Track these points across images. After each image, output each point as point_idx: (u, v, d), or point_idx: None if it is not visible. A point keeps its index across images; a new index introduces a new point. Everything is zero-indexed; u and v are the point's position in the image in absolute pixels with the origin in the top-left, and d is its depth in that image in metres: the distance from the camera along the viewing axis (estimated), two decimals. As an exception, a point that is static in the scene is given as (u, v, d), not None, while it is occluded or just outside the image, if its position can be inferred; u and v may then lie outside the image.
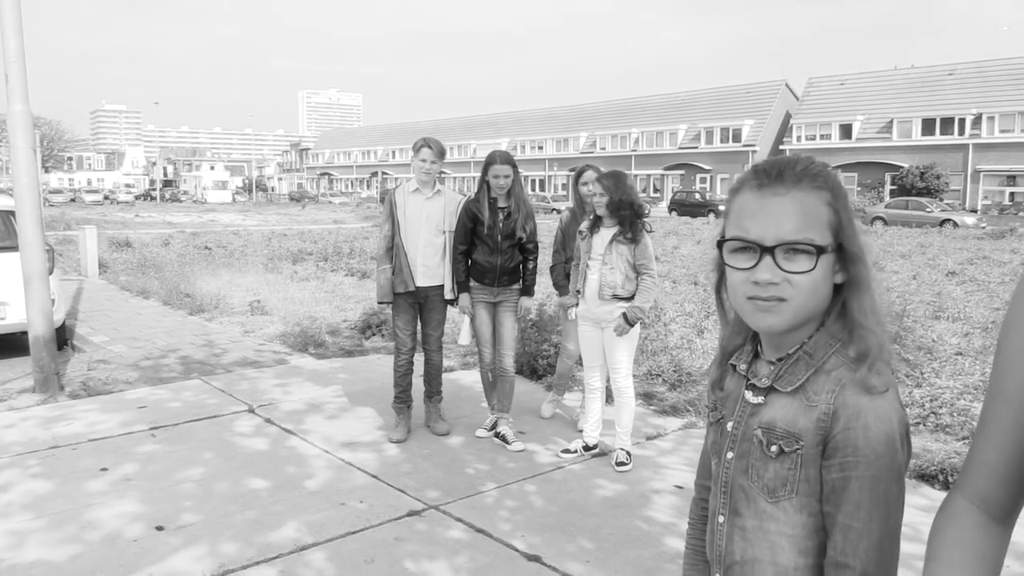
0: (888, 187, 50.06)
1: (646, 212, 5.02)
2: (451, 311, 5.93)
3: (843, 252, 1.27)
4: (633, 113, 70.02)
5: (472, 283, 5.52)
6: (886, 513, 1.19)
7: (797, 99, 61.04)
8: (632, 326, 4.88)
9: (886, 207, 36.97)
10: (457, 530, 4.08)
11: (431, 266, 5.52)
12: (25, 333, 7.07)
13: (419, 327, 5.75)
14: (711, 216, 40.75)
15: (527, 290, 5.63)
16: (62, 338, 8.64)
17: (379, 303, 5.62)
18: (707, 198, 46.77)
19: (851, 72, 60.76)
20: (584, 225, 5.10)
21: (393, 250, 5.49)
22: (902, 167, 49.09)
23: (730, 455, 1.38)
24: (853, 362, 1.26)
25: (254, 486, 4.62)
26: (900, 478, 1.21)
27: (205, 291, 11.89)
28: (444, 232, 5.53)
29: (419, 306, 5.64)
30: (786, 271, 1.24)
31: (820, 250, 1.24)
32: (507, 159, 5.41)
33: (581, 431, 5.45)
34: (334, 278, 14.22)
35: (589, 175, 5.59)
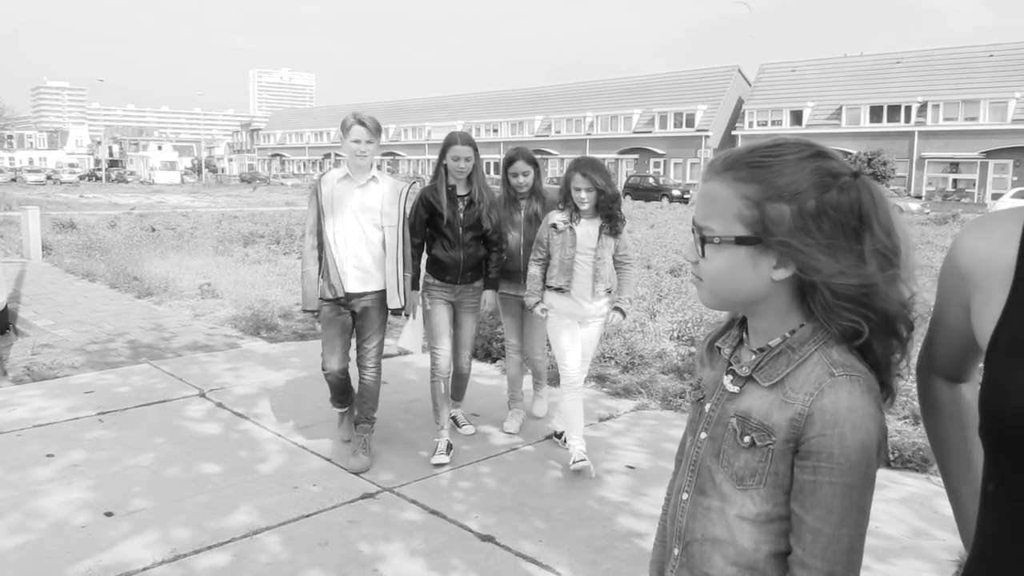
0: (836, 173, 50.90)
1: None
2: (397, 322, 5.31)
3: (777, 247, 1.23)
4: (588, 97, 70.19)
5: (429, 279, 4.97)
6: (858, 519, 1.21)
7: (749, 85, 61.77)
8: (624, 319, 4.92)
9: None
10: (411, 512, 4.10)
11: (366, 268, 4.63)
12: (-35, 317, 6.88)
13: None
14: (664, 200, 41.19)
15: (491, 283, 5.10)
16: (4, 322, 8.42)
17: (304, 311, 4.81)
18: (661, 182, 47.28)
19: (802, 59, 61.63)
20: (559, 217, 4.64)
21: (320, 248, 4.64)
22: (851, 153, 50.03)
23: (703, 435, 1.39)
24: (834, 363, 1.24)
25: (206, 471, 4.58)
26: (872, 484, 1.22)
27: (153, 274, 11.66)
28: (382, 228, 4.62)
29: (352, 315, 4.75)
30: (702, 253, 1.31)
31: (705, 239, 1.29)
32: (467, 140, 4.86)
33: (559, 435, 5.16)
34: (287, 261, 14.05)
35: (520, 166, 5.21)
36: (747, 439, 1.29)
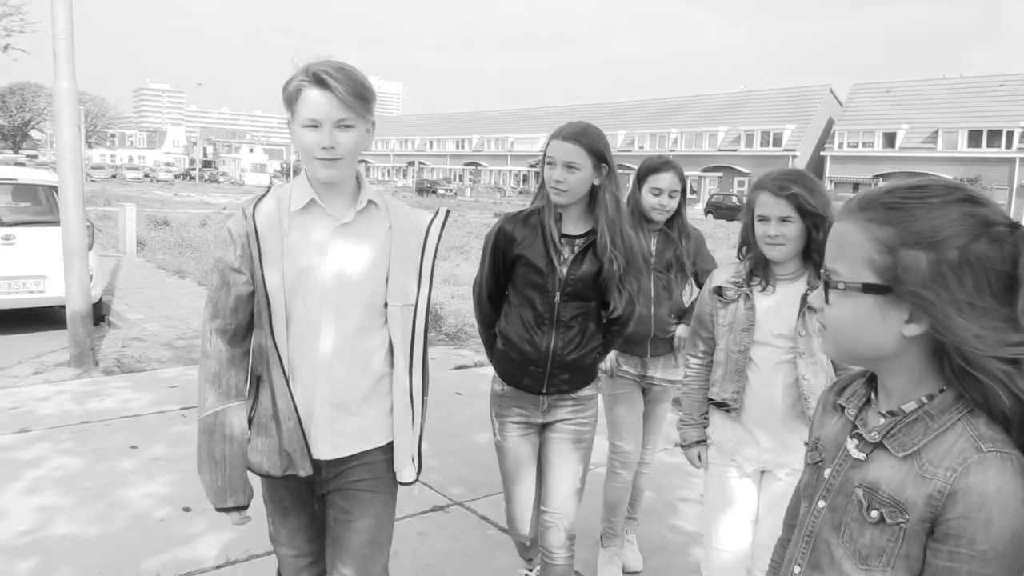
0: (930, 198, 49.20)
1: None
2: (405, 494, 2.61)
3: (909, 299, 1.11)
4: (673, 113, 69.52)
5: (498, 387, 2.99)
6: None
7: (841, 105, 60.22)
8: None
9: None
10: (480, 527, 4.06)
11: (352, 407, 2.21)
12: (63, 307, 7.17)
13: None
14: (747, 220, 40.40)
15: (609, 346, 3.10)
16: (98, 314, 8.75)
17: (219, 510, 2.32)
18: (744, 201, 46.41)
19: (897, 79, 59.80)
20: (728, 278, 2.77)
21: (252, 365, 2.21)
22: (943, 176, 48.24)
23: (821, 504, 1.27)
24: (981, 437, 1.10)
25: (281, 472, 4.63)
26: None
27: (240, 273, 11.97)
28: (385, 315, 2.21)
29: (322, 500, 2.36)
30: (826, 299, 1.21)
31: (829, 284, 1.18)
32: (577, 134, 2.75)
33: None
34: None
35: (668, 180, 3.50)
36: (875, 514, 1.16)
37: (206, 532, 3.82)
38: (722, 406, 2.74)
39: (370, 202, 2.20)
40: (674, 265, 3.58)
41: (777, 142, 59.50)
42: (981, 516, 1.05)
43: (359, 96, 2.05)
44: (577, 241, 2.82)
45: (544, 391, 2.87)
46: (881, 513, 1.15)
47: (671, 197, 3.51)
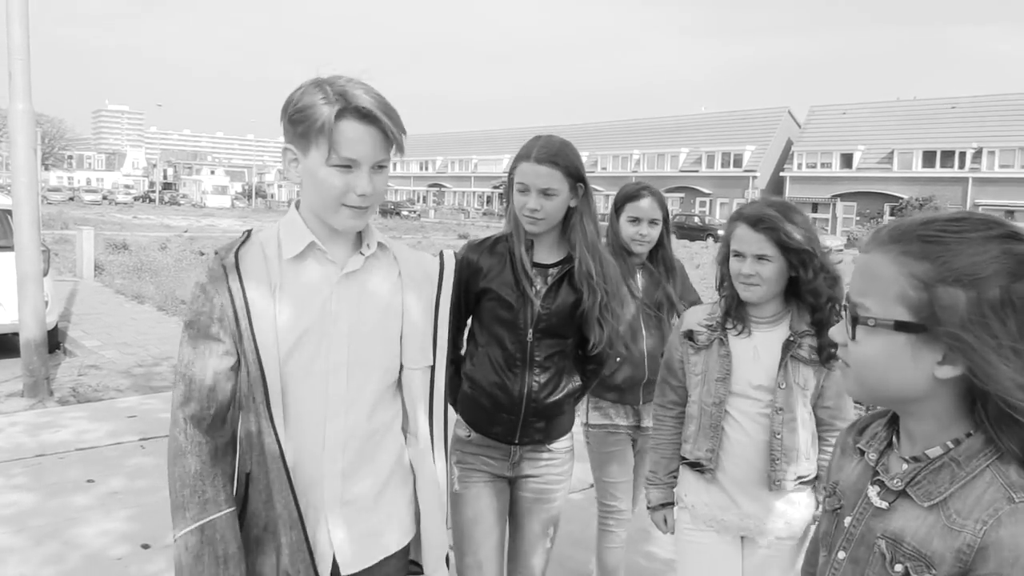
0: (887, 217, 50.09)
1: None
2: None
3: (945, 340, 1.04)
4: (635, 134, 70.21)
5: (462, 432, 2.57)
6: None
7: (799, 126, 61.25)
8: None
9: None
10: None
11: (366, 500, 1.80)
12: (16, 334, 6.94)
13: None
14: (710, 240, 40.79)
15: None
16: (54, 341, 8.50)
17: None
18: (706, 222, 46.86)
19: (853, 102, 61.05)
20: (700, 319, 2.48)
21: (240, 458, 1.76)
22: (902, 198, 49.23)
23: (842, 555, 1.20)
24: (1012, 486, 1.03)
25: (245, 505, 4.48)
26: None
27: (201, 298, 11.75)
28: (398, 377, 1.88)
29: None
30: (852, 334, 1.13)
31: (858, 320, 1.11)
32: (551, 154, 2.38)
33: None
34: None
35: (648, 207, 3.21)
36: (899, 568, 1.09)
37: (165, 570, 3.67)
38: (696, 466, 2.41)
39: (379, 245, 1.81)
40: (664, 303, 3.26)
41: (738, 163, 60.30)
42: (1016, 572, 0.99)
43: (402, 131, 1.69)
44: (551, 270, 2.47)
45: (517, 441, 2.49)
46: (907, 568, 1.08)
47: (651, 226, 3.21)
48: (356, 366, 1.74)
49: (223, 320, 1.65)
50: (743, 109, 66.24)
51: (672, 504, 2.57)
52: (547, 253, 2.51)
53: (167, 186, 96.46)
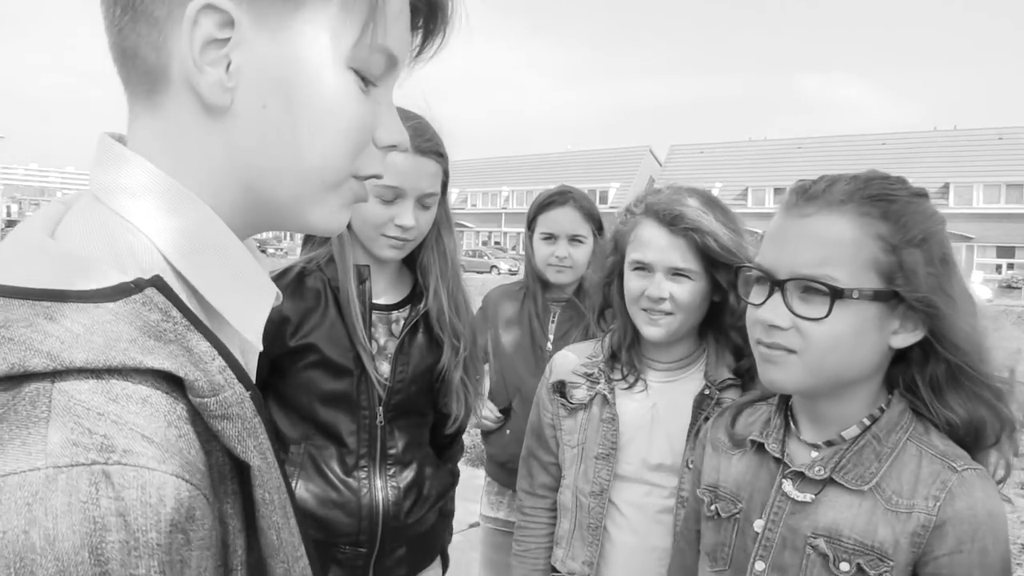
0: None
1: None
2: None
3: (906, 303, 0.97)
4: (503, 171, 71.24)
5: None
6: None
7: (660, 164, 63.80)
8: None
9: (742, 271, 38.90)
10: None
11: None
12: None
13: None
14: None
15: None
16: None
17: None
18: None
19: (709, 142, 64.22)
20: (576, 364, 1.74)
21: None
22: (757, 232, 51.49)
23: (760, 566, 1.02)
24: (947, 455, 0.98)
25: None
26: None
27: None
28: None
29: None
30: (797, 315, 0.94)
31: (838, 293, 0.92)
32: (423, 144, 1.62)
33: None
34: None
35: (569, 218, 2.40)
36: (846, 567, 0.95)
37: None
38: None
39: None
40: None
41: (603, 199, 61.93)
42: (976, 547, 0.93)
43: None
44: (395, 315, 1.70)
45: (370, 570, 1.66)
46: (858, 564, 0.95)
47: (574, 244, 2.35)
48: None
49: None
50: (607, 148, 68.41)
51: None
52: (386, 288, 1.70)
53: (10, 223, 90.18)
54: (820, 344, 0.95)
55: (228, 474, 0.55)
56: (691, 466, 1.46)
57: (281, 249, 61.69)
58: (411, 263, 1.75)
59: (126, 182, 0.59)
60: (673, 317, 1.54)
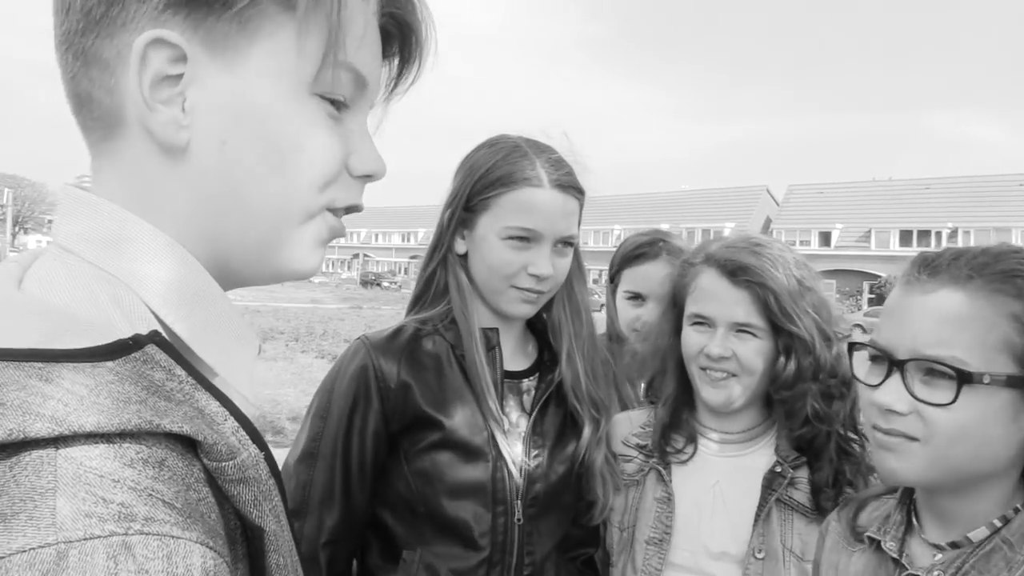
0: (866, 295, 50.61)
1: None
2: None
3: None
4: (617, 210, 71.04)
5: None
6: None
7: (777, 204, 62.32)
8: None
9: (864, 315, 37.19)
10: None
11: None
12: None
13: None
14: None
15: None
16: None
17: None
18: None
19: (830, 181, 62.28)
20: (632, 428, 1.58)
21: None
22: (880, 276, 49.71)
23: None
24: None
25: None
26: None
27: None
28: None
29: None
30: (919, 399, 0.87)
31: (966, 377, 0.84)
32: (563, 177, 1.41)
33: None
34: (303, 359, 13.67)
35: (658, 270, 1.96)
36: None
37: None
38: None
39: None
40: None
41: (718, 239, 61.12)
42: None
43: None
44: (525, 384, 1.45)
45: None
46: None
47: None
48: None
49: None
50: (722, 187, 67.39)
51: None
52: (513, 352, 1.46)
53: None
54: (945, 432, 0.87)
55: (239, 538, 0.52)
56: (759, 555, 1.33)
57: (395, 283, 62.97)
58: (535, 322, 1.52)
59: (100, 231, 0.56)
60: (736, 380, 1.38)
